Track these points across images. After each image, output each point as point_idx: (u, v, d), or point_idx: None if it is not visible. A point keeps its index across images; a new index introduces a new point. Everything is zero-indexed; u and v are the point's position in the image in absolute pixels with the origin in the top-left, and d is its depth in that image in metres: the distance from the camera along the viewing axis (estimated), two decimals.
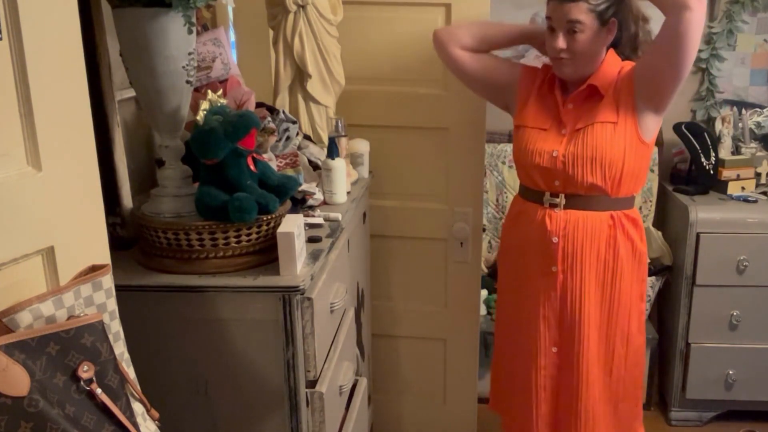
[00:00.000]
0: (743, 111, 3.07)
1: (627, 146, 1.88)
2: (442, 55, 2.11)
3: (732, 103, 3.14)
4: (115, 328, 1.12)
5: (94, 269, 1.09)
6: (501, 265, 2.20)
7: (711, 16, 3.09)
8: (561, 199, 1.95)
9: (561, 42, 1.86)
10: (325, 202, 1.97)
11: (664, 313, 3.11)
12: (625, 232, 1.95)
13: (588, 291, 1.96)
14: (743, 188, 2.94)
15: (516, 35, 2.11)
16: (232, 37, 2.31)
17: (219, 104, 1.51)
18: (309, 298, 1.48)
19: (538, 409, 2.06)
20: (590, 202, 1.93)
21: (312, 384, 1.55)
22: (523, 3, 2.94)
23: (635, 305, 2.01)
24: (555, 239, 1.95)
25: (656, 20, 1.88)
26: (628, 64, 1.94)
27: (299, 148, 2.02)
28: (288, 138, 1.96)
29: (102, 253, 1.21)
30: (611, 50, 1.96)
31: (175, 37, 1.41)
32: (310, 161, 2.03)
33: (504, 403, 2.22)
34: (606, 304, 1.98)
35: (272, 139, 1.87)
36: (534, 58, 2.96)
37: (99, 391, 1.01)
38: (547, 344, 2.03)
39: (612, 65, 1.93)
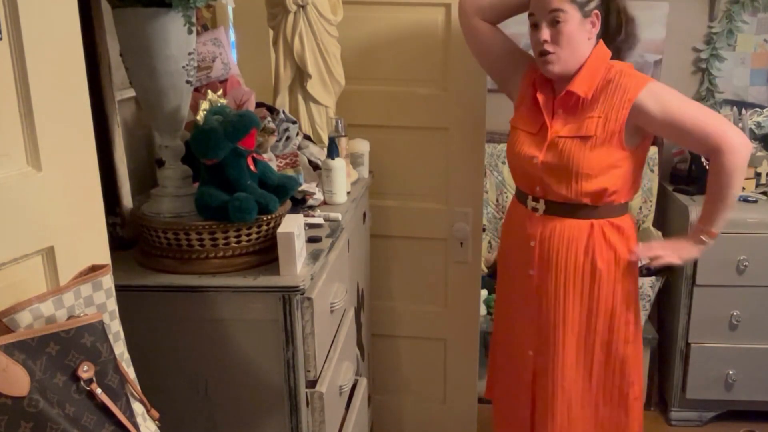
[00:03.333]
0: (743, 111, 3.08)
1: (609, 159, 1.83)
2: (462, 23, 2.08)
3: (732, 103, 3.14)
4: (115, 328, 1.12)
5: (94, 269, 1.09)
6: (497, 264, 2.22)
7: (711, 16, 3.09)
8: (541, 204, 1.93)
9: (545, 33, 1.82)
10: (325, 202, 1.97)
11: (664, 313, 3.11)
12: (606, 240, 1.90)
13: (562, 297, 1.93)
14: (743, 188, 2.93)
15: None
16: (232, 37, 2.31)
17: (219, 104, 1.51)
18: (309, 298, 1.48)
19: (515, 412, 2.08)
20: (570, 210, 1.90)
21: (312, 384, 1.55)
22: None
23: (619, 314, 1.93)
24: (532, 243, 1.94)
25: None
26: (622, 71, 1.85)
27: (299, 148, 2.02)
28: (288, 138, 1.96)
29: (102, 253, 1.21)
30: (600, 45, 1.89)
31: (175, 37, 1.41)
32: (310, 161, 2.03)
33: (495, 392, 2.24)
34: (584, 311, 1.93)
35: (272, 139, 1.86)
36: None
37: (99, 391, 1.01)
38: (524, 347, 2.03)
39: (596, 66, 1.86)
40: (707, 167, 2.87)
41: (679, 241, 1.96)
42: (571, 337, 1.95)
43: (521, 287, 2.01)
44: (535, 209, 1.95)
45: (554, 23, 1.82)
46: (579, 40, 1.84)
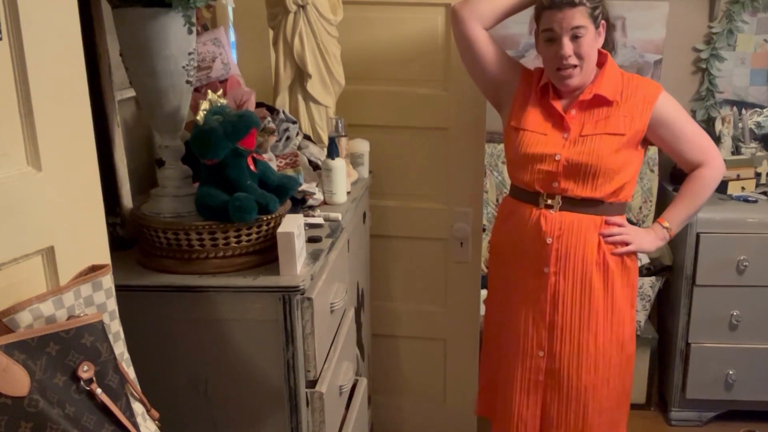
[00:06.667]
0: (743, 111, 3.08)
1: (628, 156, 1.93)
2: (459, 32, 2.04)
3: (732, 103, 3.14)
4: (115, 328, 1.12)
5: (94, 269, 1.09)
6: (490, 265, 2.19)
7: (711, 16, 3.09)
8: (557, 201, 1.95)
9: (568, 48, 1.86)
10: (325, 202, 1.97)
11: (664, 313, 3.11)
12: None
13: (579, 294, 1.95)
14: (743, 188, 2.94)
15: None
16: (232, 37, 2.31)
17: (219, 104, 1.51)
18: (309, 298, 1.48)
19: (519, 413, 2.05)
20: (585, 205, 1.94)
21: (312, 384, 1.55)
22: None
23: (627, 312, 2.01)
24: (549, 240, 1.95)
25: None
26: (633, 75, 1.98)
27: (299, 148, 2.02)
28: (288, 138, 1.96)
29: (102, 253, 1.21)
30: (609, 56, 1.99)
31: (175, 37, 1.41)
32: (310, 161, 2.03)
33: (491, 408, 2.21)
34: (602, 309, 1.97)
35: (272, 139, 1.87)
36: (534, 58, 2.96)
37: (99, 391, 1.01)
38: (534, 347, 2.01)
39: (614, 73, 1.96)
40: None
41: (645, 232, 2.04)
42: (591, 336, 1.97)
43: (534, 286, 1.99)
44: (550, 206, 1.96)
45: (575, 38, 1.87)
46: (594, 51, 1.93)
